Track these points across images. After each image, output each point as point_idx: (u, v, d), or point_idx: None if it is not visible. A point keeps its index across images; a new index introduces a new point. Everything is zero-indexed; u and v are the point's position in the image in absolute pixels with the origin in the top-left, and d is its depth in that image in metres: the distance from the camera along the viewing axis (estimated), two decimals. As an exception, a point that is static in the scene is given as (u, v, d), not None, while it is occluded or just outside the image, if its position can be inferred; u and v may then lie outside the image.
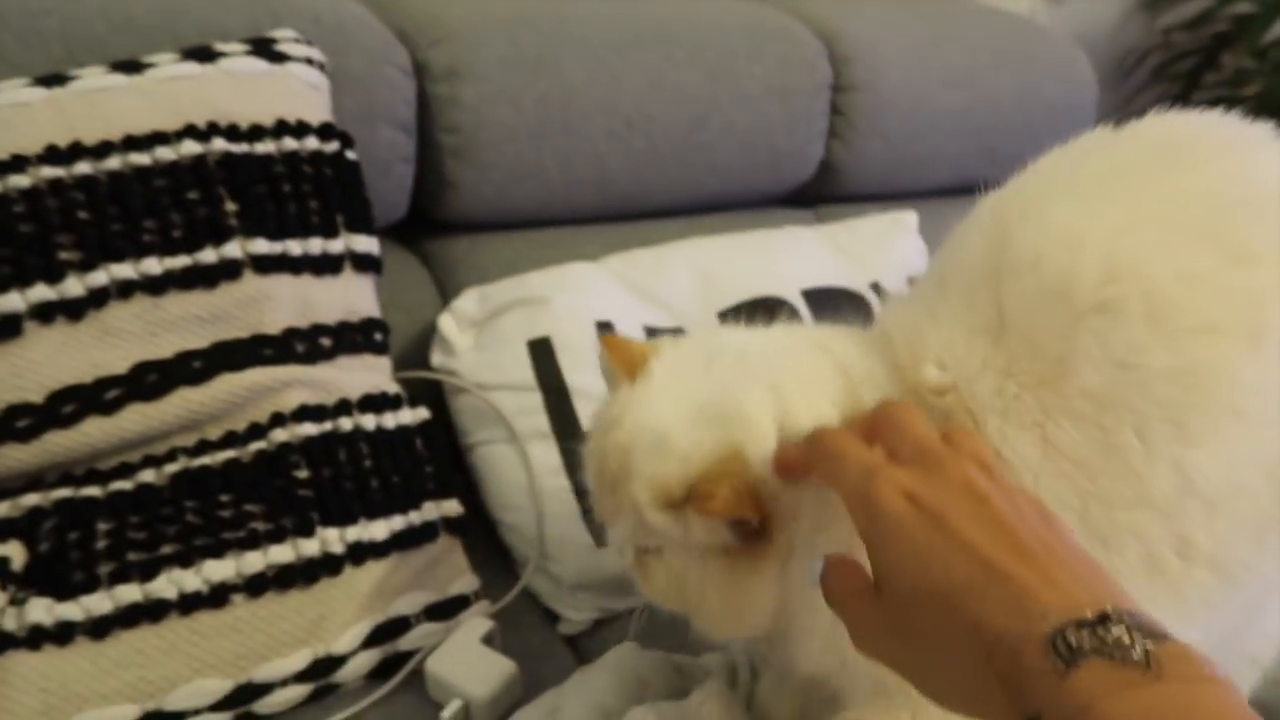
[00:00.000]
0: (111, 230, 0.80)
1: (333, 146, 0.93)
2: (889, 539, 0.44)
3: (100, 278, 0.79)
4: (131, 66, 0.86)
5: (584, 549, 0.94)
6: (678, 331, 1.04)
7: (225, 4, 0.96)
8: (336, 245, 0.91)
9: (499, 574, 0.96)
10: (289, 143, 0.90)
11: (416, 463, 0.90)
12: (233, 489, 0.81)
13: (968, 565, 0.41)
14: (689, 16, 1.25)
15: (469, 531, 0.92)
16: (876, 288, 1.19)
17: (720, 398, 0.58)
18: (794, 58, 1.29)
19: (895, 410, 0.50)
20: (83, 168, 0.80)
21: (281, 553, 0.80)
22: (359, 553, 0.83)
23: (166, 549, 0.78)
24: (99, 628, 0.74)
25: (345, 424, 0.87)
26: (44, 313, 0.77)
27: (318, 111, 0.94)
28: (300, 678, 0.79)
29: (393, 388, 0.93)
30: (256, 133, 0.88)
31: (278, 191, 0.88)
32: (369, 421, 0.88)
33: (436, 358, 1.03)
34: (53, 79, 0.83)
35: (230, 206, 0.85)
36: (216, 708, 0.76)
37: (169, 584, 0.76)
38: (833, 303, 1.14)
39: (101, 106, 0.83)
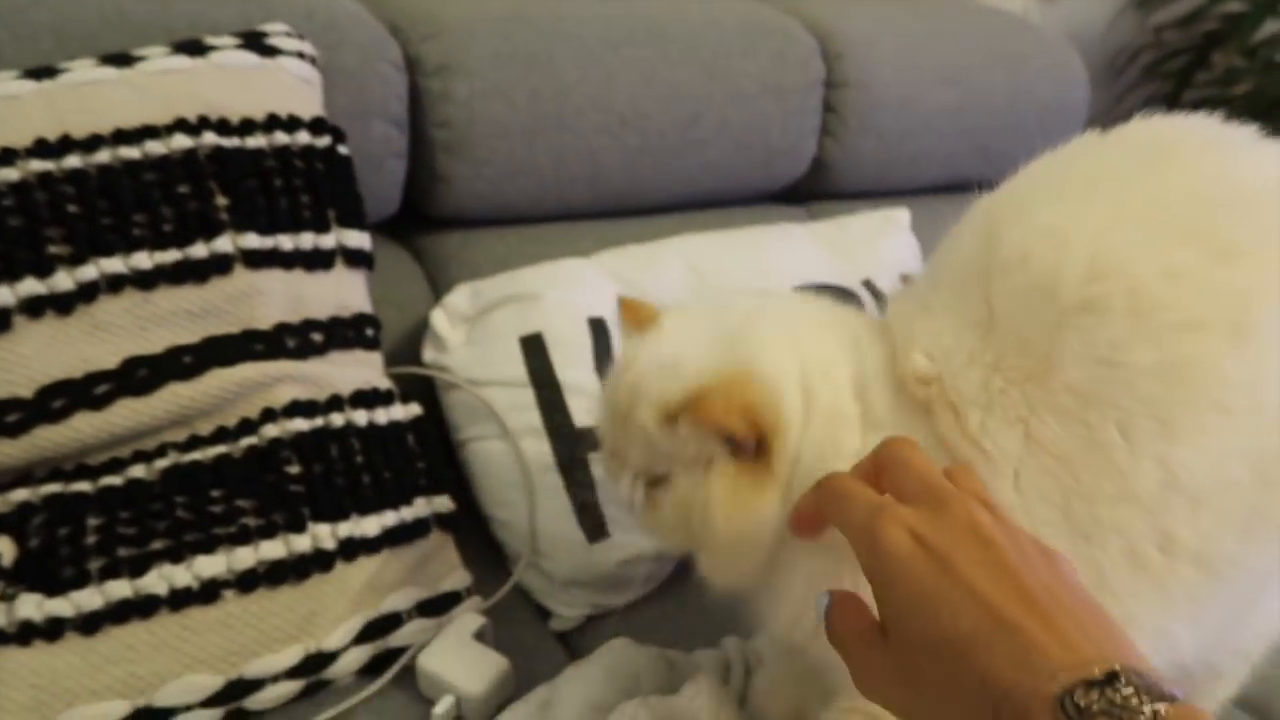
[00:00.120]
0: (101, 224, 0.80)
1: (324, 141, 0.93)
2: (895, 579, 0.44)
3: (90, 272, 0.79)
4: (122, 60, 0.86)
5: (576, 545, 0.94)
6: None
7: (216, -2, 0.96)
8: (328, 240, 0.91)
9: (491, 570, 0.96)
10: (280, 137, 0.89)
11: (408, 459, 0.89)
12: (224, 484, 0.81)
13: (975, 614, 0.41)
14: (682, 13, 1.25)
15: (461, 527, 0.92)
16: (869, 285, 1.19)
17: (734, 329, 0.62)
18: (787, 55, 1.29)
19: (899, 448, 0.51)
20: (72, 161, 0.80)
21: (273, 548, 0.80)
22: (351, 548, 0.83)
23: (157, 544, 0.77)
24: (89, 623, 0.74)
25: (337, 420, 0.86)
26: (33, 307, 0.77)
27: (309, 106, 0.93)
28: (291, 674, 0.78)
29: (384, 383, 0.92)
30: (248, 127, 0.88)
31: (269, 186, 0.88)
32: (361, 417, 0.88)
33: (428, 353, 1.03)
34: (42, 72, 0.83)
35: (221, 201, 0.85)
36: (207, 704, 0.75)
37: (159, 579, 0.76)
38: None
39: (91, 100, 0.83)
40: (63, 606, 0.74)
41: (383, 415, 0.90)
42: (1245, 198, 0.56)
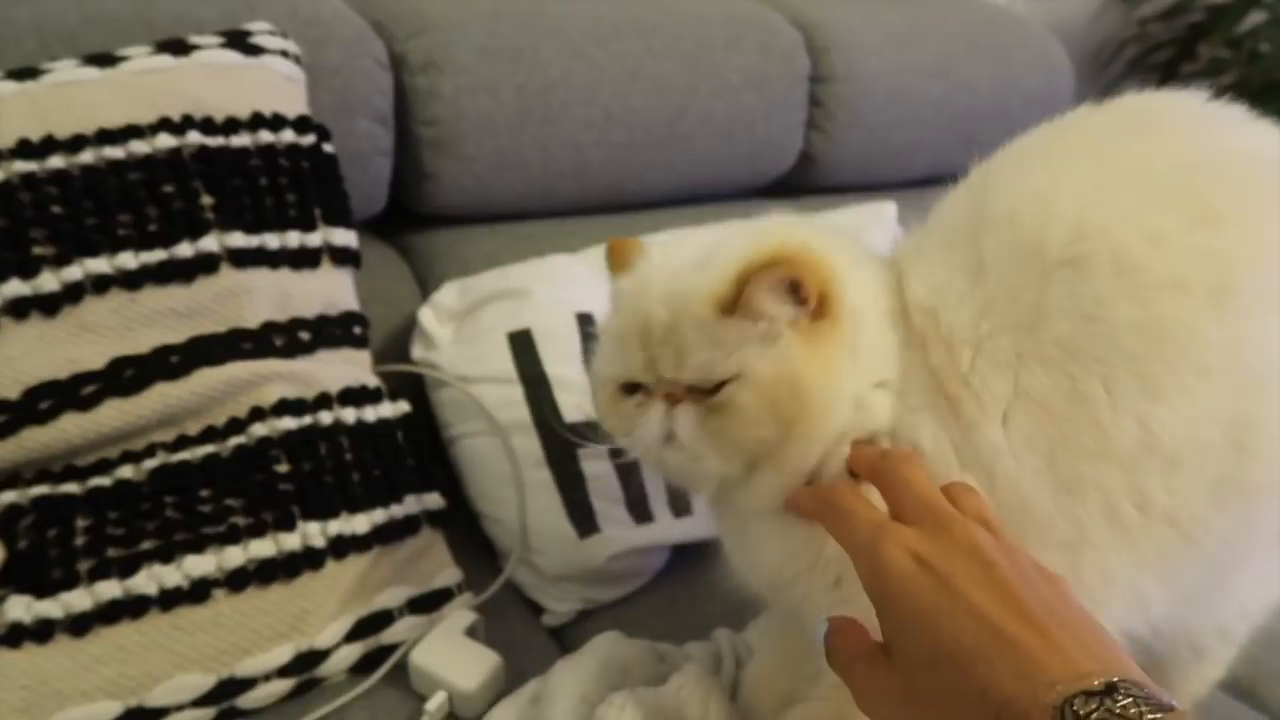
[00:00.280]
0: (86, 225, 0.80)
1: (309, 139, 0.92)
2: (896, 599, 0.45)
3: (75, 273, 0.79)
4: (105, 59, 0.86)
5: (567, 541, 0.94)
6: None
7: (199, -4, 0.96)
8: (314, 238, 0.91)
9: (482, 566, 0.96)
10: (265, 136, 0.89)
11: (397, 456, 0.89)
12: (213, 484, 0.80)
13: (976, 630, 0.42)
14: (667, 7, 1.25)
15: (451, 524, 0.92)
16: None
17: (756, 228, 0.61)
18: (772, 48, 1.30)
19: (899, 464, 0.52)
20: (56, 162, 0.80)
21: (262, 547, 0.80)
22: (341, 546, 0.83)
23: (146, 545, 0.77)
24: (79, 624, 0.74)
25: (325, 418, 0.86)
26: (19, 308, 0.77)
27: (294, 104, 0.93)
28: (283, 672, 0.78)
29: (373, 381, 0.92)
30: (232, 126, 0.88)
31: (254, 185, 0.88)
32: (349, 415, 0.88)
33: (417, 351, 1.03)
34: (25, 72, 0.83)
35: (206, 200, 0.85)
36: (199, 703, 0.75)
37: (149, 580, 0.76)
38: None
39: (75, 100, 0.82)
40: (52, 608, 0.74)
41: (371, 413, 0.90)
42: (1227, 166, 0.58)
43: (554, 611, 0.96)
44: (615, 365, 0.61)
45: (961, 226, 0.61)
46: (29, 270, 0.77)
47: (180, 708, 0.75)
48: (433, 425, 1.03)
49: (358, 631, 0.82)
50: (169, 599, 0.76)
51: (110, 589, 0.75)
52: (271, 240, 0.88)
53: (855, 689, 0.47)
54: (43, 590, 0.74)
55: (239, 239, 0.85)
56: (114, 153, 0.82)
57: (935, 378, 0.58)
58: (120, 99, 0.84)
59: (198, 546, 0.78)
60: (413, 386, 1.01)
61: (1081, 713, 0.37)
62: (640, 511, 0.96)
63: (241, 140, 0.88)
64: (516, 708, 0.75)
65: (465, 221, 1.18)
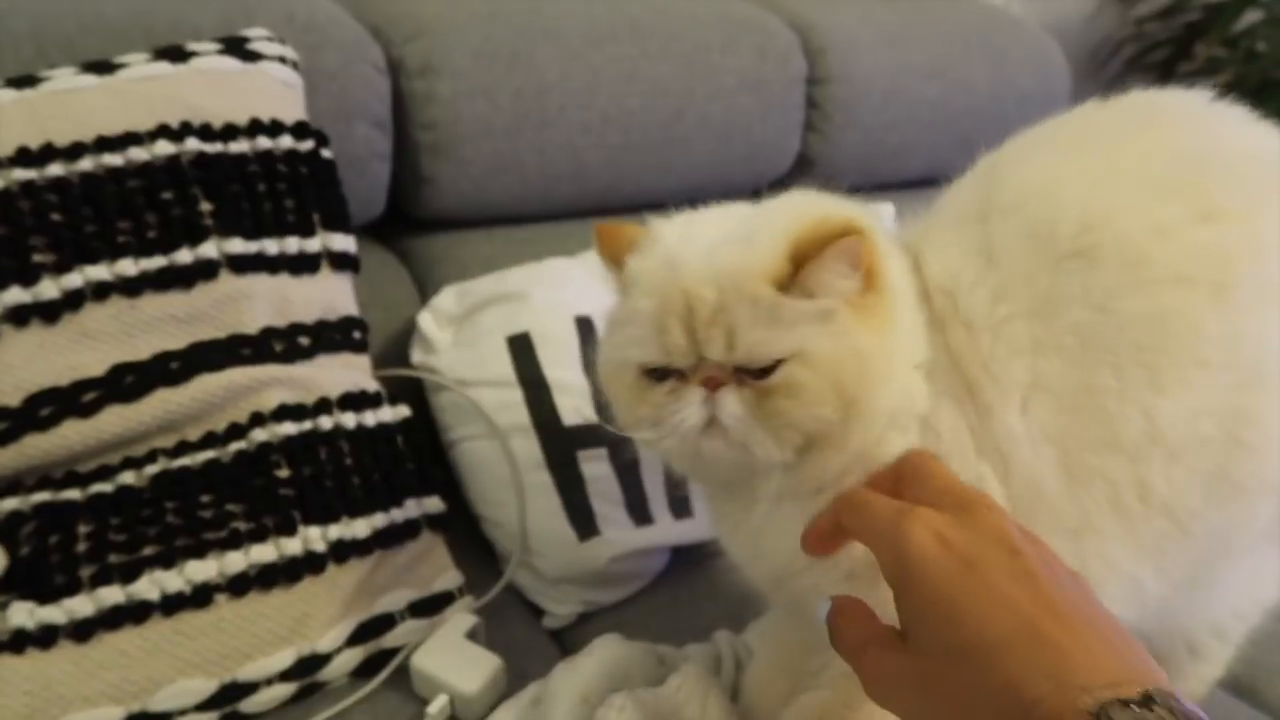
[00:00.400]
0: (86, 232, 0.80)
1: (307, 145, 0.93)
2: (919, 583, 0.42)
3: (75, 280, 0.79)
4: (103, 67, 0.86)
5: (567, 543, 0.94)
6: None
7: (197, 2, 0.96)
8: (313, 244, 0.91)
9: (482, 570, 0.96)
10: (263, 142, 0.89)
11: (397, 460, 0.90)
12: (214, 489, 0.81)
13: (1004, 621, 0.40)
14: (662, 10, 1.26)
15: (452, 528, 0.92)
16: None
17: (789, 203, 0.60)
18: (768, 50, 1.30)
19: (921, 459, 0.50)
20: (55, 169, 0.80)
21: (264, 552, 0.80)
22: (342, 551, 0.83)
23: (148, 550, 0.77)
24: (82, 630, 0.74)
25: (325, 423, 0.87)
26: (19, 316, 0.77)
27: (292, 110, 0.94)
28: (285, 676, 0.79)
29: (372, 386, 0.93)
30: (230, 132, 0.88)
31: (253, 191, 0.88)
32: (349, 420, 0.88)
33: (416, 355, 1.03)
34: (23, 80, 0.83)
35: (205, 206, 0.85)
36: (201, 708, 0.76)
37: (151, 585, 0.76)
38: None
39: (73, 107, 0.83)
40: (55, 614, 0.74)
41: (371, 417, 0.90)
42: (1229, 163, 0.59)
43: (554, 614, 0.97)
44: (645, 350, 0.57)
45: (969, 212, 0.61)
46: (29, 278, 0.78)
47: (183, 712, 0.75)
48: (432, 429, 1.03)
49: (359, 635, 0.82)
50: (171, 604, 0.76)
51: (112, 594, 0.75)
52: (270, 246, 0.88)
53: (865, 674, 0.45)
54: (45, 596, 0.74)
55: (238, 245, 0.86)
56: (113, 160, 0.82)
57: (955, 361, 0.58)
58: (119, 106, 0.84)
59: (199, 552, 0.78)
60: (412, 390, 1.01)
61: None
62: (640, 514, 0.97)
63: (240, 146, 0.88)
64: (517, 710, 0.76)
65: (463, 225, 1.19)
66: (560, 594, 0.96)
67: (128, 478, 0.80)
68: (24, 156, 0.79)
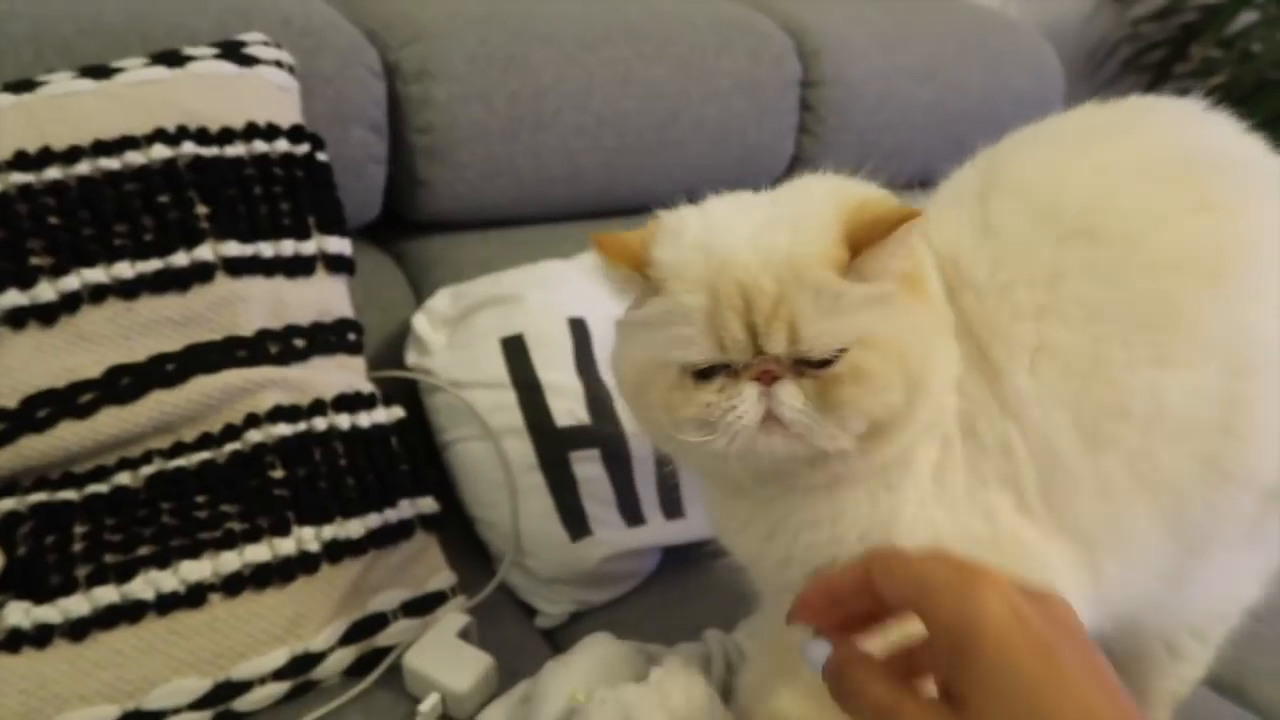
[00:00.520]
0: (83, 235, 0.81)
1: (303, 148, 0.93)
2: (991, 652, 0.41)
3: (72, 282, 0.80)
4: (100, 71, 0.87)
5: (559, 544, 0.95)
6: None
7: (194, 7, 0.97)
8: (309, 246, 0.92)
9: (475, 569, 0.97)
10: (259, 145, 0.90)
11: (392, 461, 0.90)
12: (209, 490, 0.81)
13: (1077, 713, 0.39)
14: (657, 13, 1.26)
15: (445, 528, 0.93)
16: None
17: (819, 185, 0.59)
18: (762, 53, 1.31)
19: (889, 554, 0.48)
20: (53, 173, 0.81)
21: (258, 552, 0.81)
22: (335, 551, 0.84)
23: (143, 550, 0.78)
24: (77, 629, 0.75)
25: (320, 424, 0.87)
26: (16, 318, 0.78)
27: (288, 114, 0.94)
28: (279, 675, 0.79)
29: (367, 387, 0.93)
30: (226, 136, 0.89)
31: (249, 194, 0.89)
32: (344, 421, 0.89)
33: (411, 357, 1.04)
34: (21, 85, 0.84)
35: (201, 209, 0.86)
36: (196, 706, 0.76)
37: (146, 585, 0.77)
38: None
39: (70, 111, 0.83)
40: (51, 613, 0.75)
41: (365, 419, 0.91)
42: (1220, 162, 0.61)
43: (547, 614, 0.97)
44: (696, 349, 0.53)
45: (968, 193, 0.63)
46: (26, 280, 0.78)
47: (177, 711, 0.76)
48: (427, 430, 1.04)
49: (352, 634, 0.83)
50: (166, 604, 0.77)
51: (108, 594, 0.76)
52: (266, 249, 0.89)
53: None
54: (41, 596, 0.75)
55: (234, 248, 0.86)
56: (110, 164, 0.83)
57: (966, 324, 0.59)
58: (116, 110, 0.85)
59: (194, 552, 0.79)
60: (407, 392, 1.02)
61: None
62: (632, 514, 0.97)
63: (236, 150, 0.89)
64: (507, 707, 0.76)
65: (459, 228, 1.19)
66: (552, 594, 0.97)
67: (123, 478, 0.81)
68: (22, 160, 0.80)
